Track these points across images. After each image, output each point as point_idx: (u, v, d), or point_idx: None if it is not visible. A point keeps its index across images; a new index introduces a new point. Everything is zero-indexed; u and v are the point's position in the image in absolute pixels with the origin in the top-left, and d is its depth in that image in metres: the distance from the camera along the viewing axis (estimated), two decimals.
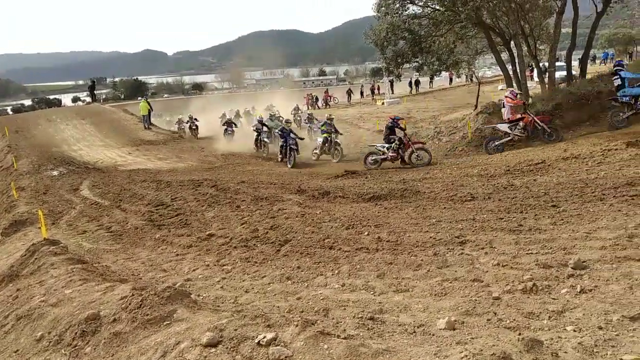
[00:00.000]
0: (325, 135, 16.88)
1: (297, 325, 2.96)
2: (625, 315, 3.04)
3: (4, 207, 11.33)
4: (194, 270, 5.67)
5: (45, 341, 3.59)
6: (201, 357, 2.82)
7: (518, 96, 13.34)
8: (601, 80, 14.86)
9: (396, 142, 13.64)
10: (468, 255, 4.88)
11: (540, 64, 17.98)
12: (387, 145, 13.85)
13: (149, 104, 26.57)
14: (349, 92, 45.30)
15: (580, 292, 3.62)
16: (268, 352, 2.75)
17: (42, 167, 15.72)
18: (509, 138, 12.83)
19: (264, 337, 2.86)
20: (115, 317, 3.53)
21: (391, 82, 39.45)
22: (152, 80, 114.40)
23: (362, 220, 6.84)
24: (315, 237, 6.26)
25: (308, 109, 37.21)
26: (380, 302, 3.97)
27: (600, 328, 2.95)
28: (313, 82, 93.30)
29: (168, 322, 3.35)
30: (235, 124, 23.90)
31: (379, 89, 46.51)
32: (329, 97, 43.74)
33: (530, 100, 13.77)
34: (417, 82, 43.46)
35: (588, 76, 16.43)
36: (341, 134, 18.04)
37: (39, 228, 7.04)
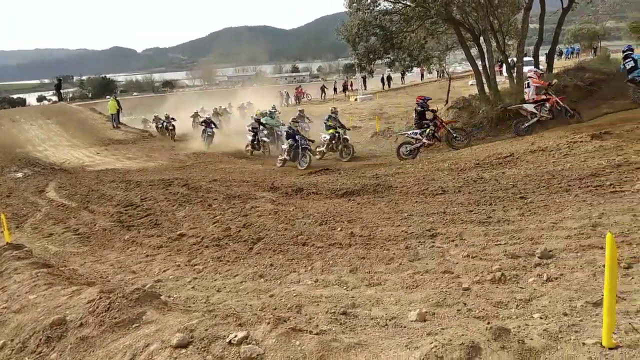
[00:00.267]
0: (332, 131, 15.16)
1: (268, 323, 2.94)
2: (588, 301, 3.13)
3: None
4: (164, 271, 5.58)
5: (8, 349, 3.47)
6: (171, 358, 2.78)
7: (542, 76, 13.26)
8: (567, 74, 15.25)
9: (431, 127, 12.87)
10: (439, 247, 4.94)
11: (509, 59, 18.33)
12: (419, 132, 13.09)
13: (117, 102, 26.06)
14: (323, 89, 45.30)
15: (546, 280, 3.70)
16: (239, 350, 2.73)
17: (6, 169, 15.25)
18: (536, 119, 12.56)
19: (235, 336, 2.84)
20: (82, 322, 3.43)
21: (364, 78, 39.64)
22: (120, 78, 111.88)
23: (335, 216, 6.86)
24: (288, 234, 6.24)
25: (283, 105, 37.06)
26: (353, 297, 3.98)
27: (565, 314, 3.02)
28: (286, 79, 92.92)
29: (137, 325, 3.28)
30: (214, 124, 20.93)
31: (352, 85, 46.65)
32: (302, 94, 43.62)
33: (554, 81, 13.37)
34: (389, 78, 43.77)
35: (555, 71, 16.83)
36: (348, 129, 16.47)
37: (1, 232, 6.81)
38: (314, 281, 4.54)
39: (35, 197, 11.32)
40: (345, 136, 15.18)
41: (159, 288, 4.82)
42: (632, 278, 3.46)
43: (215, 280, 5.03)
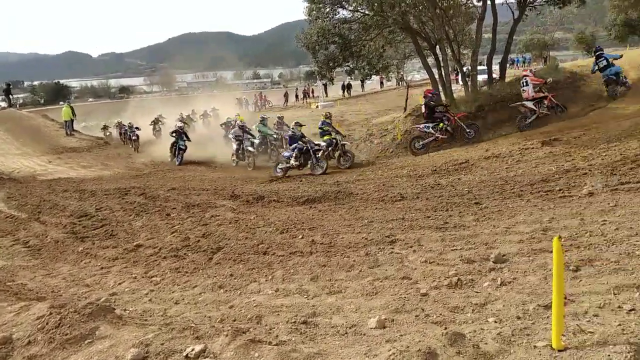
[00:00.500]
0: (328, 137, 13.93)
1: (227, 335, 2.90)
2: (540, 304, 3.24)
3: None
4: (120, 283, 5.40)
5: None
6: None
7: (537, 74, 13.80)
8: (518, 82, 15.83)
9: (444, 121, 12.75)
10: (398, 253, 5.02)
11: (464, 68, 18.93)
12: (431, 125, 12.96)
13: (72, 109, 25.19)
14: (286, 95, 45.48)
15: (500, 284, 3.82)
16: None
17: None
18: (535, 115, 13.01)
19: (192, 350, 2.79)
20: (30, 339, 3.28)
21: (325, 86, 39.92)
22: (75, 83, 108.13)
23: (296, 224, 6.85)
24: (249, 243, 6.18)
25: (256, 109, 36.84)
26: (313, 306, 3.98)
27: (519, 318, 3.12)
28: (247, 85, 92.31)
29: (90, 341, 3.17)
30: (186, 135, 17.62)
31: (313, 92, 46.93)
32: (264, 101, 43.57)
33: (550, 79, 14.00)
34: (349, 86, 44.22)
35: (507, 79, 17.47)
36: (344, 136, 15.38)
37: None
38: (274, 290, 4.51)
39: None
40: (344, 142, 14.29)
41: (114, 301, 4.66)
42: (581, 280, 3.62)
43: (173, 292, 4.91)
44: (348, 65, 17.16)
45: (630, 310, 2.93)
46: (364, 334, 3.23)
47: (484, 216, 5.94)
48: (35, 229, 8.49)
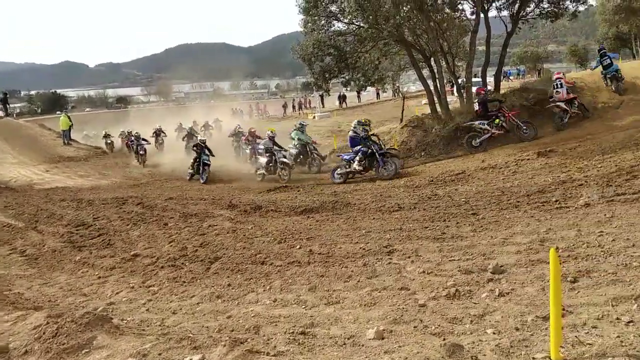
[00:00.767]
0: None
1: (225, 345, 2.90)
2: (538, 315, 3.25)
3: None
4: (117, 293, 5.38)
5: None
6: None
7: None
8: (513, 94, 15.96)
9: (500, 117, 12.67)
10: (396, 264, 5.02)
11: (459, 80, 19.05)
12: (486, 122, 12.88)
13: (69, 118, 25.21)
14: (285, 106, 45.77)
15: (498, 295, 3.83)
16: None
17: None
18: (569, 116, 13.41)
19: None
20: (27, 349, 3.27)
21: (322, 97, 40.10)
22: (72, 93, 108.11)
23: (294, 234, 6.86)
24: (246, 253, 6.18)
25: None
26: (311, 316, 3.98)
27: (517, 329, 3.13)
28: (244, 96, 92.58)
29: (87, 350, 3.16)
30: (209, 150, 15.65)
31: (309, 103, 47.20)
32: (262, 111, 43.84)
33: (574, 81, 14.93)
34: (344, 97, 44.37)
35: (502, 91, 17.61)
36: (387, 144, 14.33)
37: None
38: (272, 301, 4.50)
39: None
40: (385, 151, 12.75)
41: (112, 311, 4.64)
42: (578, 292, 3.63)
43: (170, 301, 4.90)
44: (344, 77, 17.24)
45: (629, 322, 2.95)
46: (363, 345, 3.23)
47: (482, 227, 5.96)
48: (33, 238, 8.45)
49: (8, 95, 38.40)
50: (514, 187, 7.84)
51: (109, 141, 26.61)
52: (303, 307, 4.25)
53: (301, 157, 15.63)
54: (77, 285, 5.90)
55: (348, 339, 3.37)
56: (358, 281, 4.69)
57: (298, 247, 6.18)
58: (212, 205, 9.64)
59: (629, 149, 8.91)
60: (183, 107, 53.00)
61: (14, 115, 43.76)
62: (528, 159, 9.87)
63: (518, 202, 6.87)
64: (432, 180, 9.82)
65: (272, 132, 15.73)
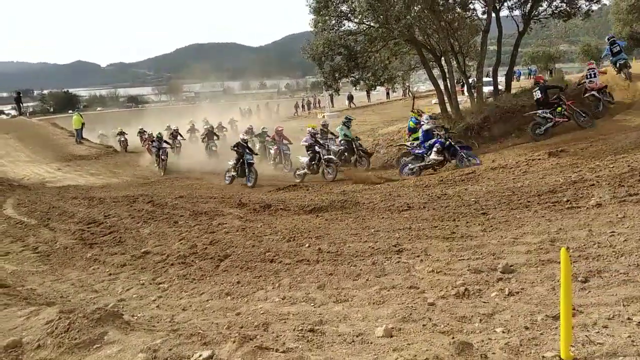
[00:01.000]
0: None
1: (234, 342, 2.91)
2: (548, 314, 3.23)
3: None
4: (127, 289, 5.43)
5: None
6: None
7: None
8: (524, 94, 15.86)
9: (561, 105, 12.55)
10: (405, 263, 5.01)
11: (470, 80, 18.97)
12: (549, 110, 12.77)
13: (81, 117, 25.51)
14: (297, 106, 45.94)
15: (508, 294, 3.81)
16: None
17: None
18: (602, 104, 13.65)
19: (200, 356, 2.80)
20: (39, 343, 3.31)
21: (331, 96, 40.09)
22: (83, 92, 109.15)
23: (303, 232, 6.87)
24: (255, 251, 6.20)
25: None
26: (320, 314, 3.99)
27: (527, 328, 3.11)
28: (254, 95, 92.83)
29: (98, 346, 3.19)
30: (250, 150, 14.98)
31: (319, 102, 47.25)
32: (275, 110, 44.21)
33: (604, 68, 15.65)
34: (351, 97, 44.30)
35: (513, 91, 17.50)
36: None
37: None
38: (281, 298, 4.52)
39: None
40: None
41: (122, 307, 4.69)
42: (589, 292, 3.61)
43: (180, 298, 4.94)
44: (353, 76, 17.25)
45: None
46: (371, 343, 3.23)
47: (491, 226, 5.92)
48: (45, 235, 8.56)
49: (22, 95, 38.92)
50: (525, 187, 7.78)
51: (122, 139, 25.78)
52: (312, 304, 4.27)
53: (346, 154, 14.79)
54: (88, 281, 5.97)
55: (357, 336, 3.37)
56: (367, 280, 4.69)
57: (307, 245, 6.20)
58: (221, 204, 9.68)
59: None
60: (196, 107, 53.24)
61: (27, 114, 44.36)
62: (539, 159, 9.78)
63: (528, 202, 6.81)
64: (442, 180, 9.77)
65: (313, 128, 14.94)
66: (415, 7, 15.11)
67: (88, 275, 6.24)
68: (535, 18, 17.11)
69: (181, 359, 2.84)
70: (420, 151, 12.32)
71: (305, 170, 14.05)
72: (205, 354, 2.81)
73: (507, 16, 17.53)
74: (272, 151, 17.49)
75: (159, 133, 19.95)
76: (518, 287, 3.92)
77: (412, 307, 3.83)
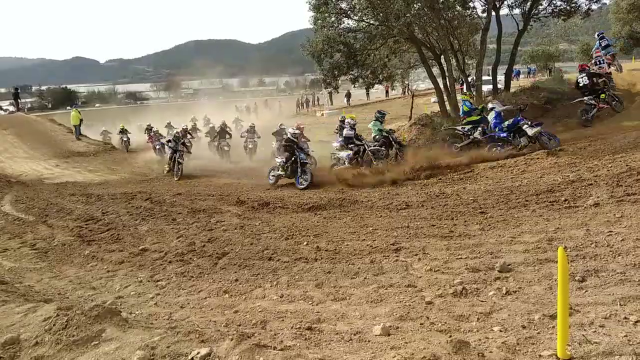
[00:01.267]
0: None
1: (232, 339, 2.91)
2: (545, 314, 3.24)
3: None
4: (125, 287, 5.43)
5: None
6: None
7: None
8: (523, 93, 15.87)
9: (605, 91, 12.58)
10: (403, 261, 5.02)
11: (469, 78, 18.95)
12: (593, 97, 12.76)
13: (79, 113, 25.43)
14: (298, 104, 45.85)
15: (505, 293, 3.82)
16: None
17: None
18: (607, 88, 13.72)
19: (198, 353, 2.80)
20: (37, 340, 3.30)
21: (330, 94, 40.04)
22: (82, 88, 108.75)
23: (301, 230, 6.88)
24: (254, 249, 6.21)
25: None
26: (318, 312, 3.99)
27: (524, 327, 3.12)
28: (252, 93, 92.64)
29: (96, 342, 3.18)
30: (301, 149, 12.29)
31: (318, 100, 47.19)
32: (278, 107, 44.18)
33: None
34: (349, 95, 44.15)
35: (512, 90, 17.50)
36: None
37: None
38: (279, 296, 4.53)
39: None
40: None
41: (120, 304, 4.69)
42: (586, 291, 3.62)
43: (178, 296, 4.94)
44: (352, 74, 17.21)
45: (637, 321, 2.93)
46: (369, 341, 3.24)
47: (489, 225, 5.94)
48: (43, 232, 8.55)
49: (20, 91, 38.79)
50: (523, 186, 7.79)
51: (125, 138, 24.21)
52: (310, 302, 4.27)
53: (383, 148, 13.66)
54: (86, 278, 5.96)
55: (354, 334, 3.38)
56: (365, 278, 4.70)
57: (305, 243, 6.20)
58: (220, 201, 9.68)
59: None
60: (195, 104, 53.07)
61: (25, 110, 44.18)
62: (537, 158, 9.78)
63: (527, 201, 6.83)
64: (440, 179, 9.79)
65: (352, 119, 13.98)
66: (415, 5, 15.08)
67: (86, 272, 6.24)
68: (535, 17, 17.10)
69: (179, 356, 2.84)
70: (504, 134, 11.37)
71: (346, 165, 12.90)
72: (203, 351, 2.81)
73: (507, 15, 17.55)
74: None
75: (177, 132, 18.28)
76: (515, 286, 3.93)
77: (409, 305, 3.84)
